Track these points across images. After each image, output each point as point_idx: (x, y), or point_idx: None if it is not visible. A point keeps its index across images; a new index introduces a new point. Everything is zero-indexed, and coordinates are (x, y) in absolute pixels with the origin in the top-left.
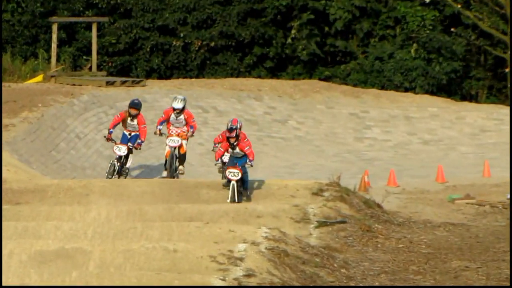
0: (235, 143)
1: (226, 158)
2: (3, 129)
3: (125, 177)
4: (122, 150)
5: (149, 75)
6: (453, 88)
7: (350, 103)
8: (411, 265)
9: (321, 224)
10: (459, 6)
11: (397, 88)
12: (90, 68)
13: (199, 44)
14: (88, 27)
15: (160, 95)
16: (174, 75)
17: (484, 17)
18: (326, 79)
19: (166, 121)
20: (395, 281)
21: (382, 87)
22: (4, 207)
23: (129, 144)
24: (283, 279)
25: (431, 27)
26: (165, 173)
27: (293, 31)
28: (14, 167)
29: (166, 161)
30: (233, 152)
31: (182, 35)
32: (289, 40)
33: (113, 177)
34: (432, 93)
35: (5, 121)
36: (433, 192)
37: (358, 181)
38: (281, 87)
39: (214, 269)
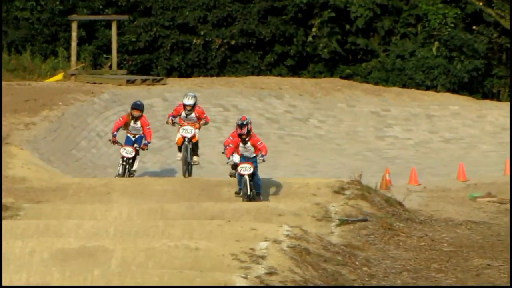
0: (246, 139)
1: (236, 159)
2: (24, 128)
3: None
4: (129, 151)
5: (169, 73)
6: (474, 86)
7: (371, 102)
8: (433, 263)
9: (343, 222)
10: (481, 4)
11: (418, 86)
12: (111, 67)
13: (220, 42)
14: (108, 25)
15: (181, 94)
16: (195, 73)
17: (506, 15)
18: (347, 77)
19: (176, 117)
20: (417, 279)
21: (404, 85)
22: (25, 205)
23: (135, 145)
24: (305, 277)
25: (452, 25)
26: (179, 155)
27: (314, 29)
28: (35, 166)
29: (178, 147)
30: (244, 148)
31: (202, 33)
32: (310, 38)
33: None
34: (453, 91)
35: (25, 119)
36: (454, 190)
37: (379, 180)
38: (302, 85)
39: (236, 267)
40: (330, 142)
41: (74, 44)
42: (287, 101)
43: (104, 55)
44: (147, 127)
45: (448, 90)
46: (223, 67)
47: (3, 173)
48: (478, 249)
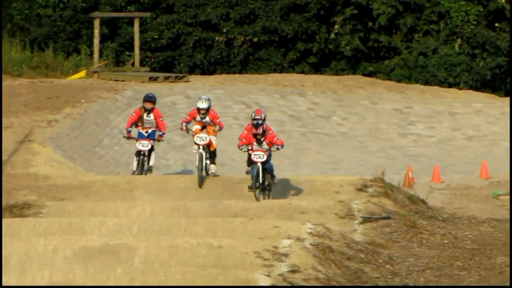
0: (261, 139)
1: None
2: (46, 125)
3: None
4: (145, 144)
5: (192, 70)
6: (497, 83)
7: (394, 99)
8: (456, 261)
9: (366, 220)
10: (503, 1)
11: (441, 83)
12: (133, 64)
13: (242, 39)
14: (130, 22)
15: (203, 91)
16: (217, 70)
17: None
18: (370, 74)
19: (190, 123)
20: (440, 277)
21: (426, 83)
22: (48, 203)
23: (150, 141)
24: (327, 275)
25: (475, 22)
26: (195, 147)
27: (336, 26)
28: (58, 163)
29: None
30: (260, 146)
31: (225, 30)
32: (333, 35)
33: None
34: (476, 88)
35: (48, 116)
36: (477, 188)
37: (402, 177)
38: (324, 82)
39: (259, 265)
40: (353, 140)
41: (96, 41)
42: (309, 98)
43: (127, 53)
44: (160, 119)
45: (471, 88)
46: (246, 64)
47: (26, 170)
48: (501, 247)
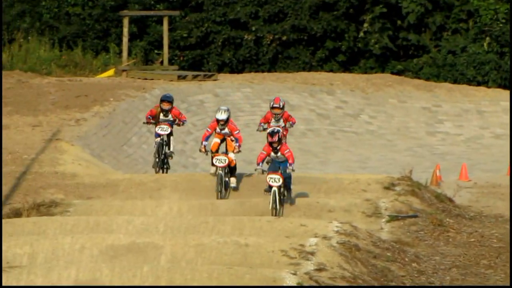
0: (278, 147)
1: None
2: (74, 124)
3: (168, 163)
4: (165, 129)
5: (221, 69)
6: None
7: (423, 97)
8: (482, 259)
9: (393, 218)
10: None
11: (469, 82)
12: (162, 62)
13: (271, 38)
14: (160, 21)
15: (232, 89)
16: (246, 69)
17: None
18: (399, 73)
19: (210, 136)
20: (466, 275)
21: (455, 81)
22: (75, 201)
23: (169, 122)
24: (354, 274)
25: (504, 21)
26: (213, 170)
27: (365, 25)
28: (86, 162)
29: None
30: (276, 156)
31: (254, 29)
32: (362, 34)
33: (159, 166)
34: (504, 87)
35: (76, 115)
36: (504, 186)
37: (429, 175)
38: (353, 81)
39: (285, 263)
40: (381, 138)
41: (125, 39)
42: (338, 96)
43: (156, 51)
44: (180, 115)
45: (499, 86)
46: (275, 62)
47: (54, 169)
48: None
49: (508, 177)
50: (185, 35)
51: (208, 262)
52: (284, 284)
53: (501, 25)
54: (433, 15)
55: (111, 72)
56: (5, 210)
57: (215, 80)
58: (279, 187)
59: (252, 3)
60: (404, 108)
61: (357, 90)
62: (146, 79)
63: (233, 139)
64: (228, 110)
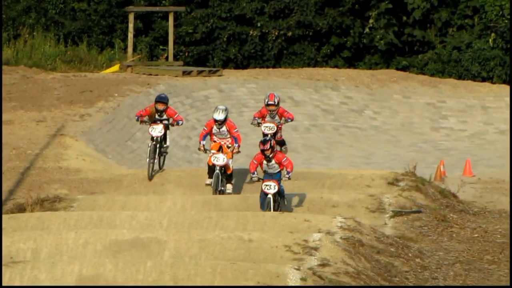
0: (270, 155)
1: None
2: (79, 119)
3: (165, 157)
4: (157, 130)
5: (225, 64)
6: None
7: (427, 93)
8: (486, 254)
9: (396, 214)
10: None
11: (474, 78)
12: (167, 58)
13: (276, 33)
14: (165, 16)
15: (237, 85)
16: (251, 64)
17: None
18: (404, 68)
19: (209, 133)
20: (470, 271)
21: (460, 77)
22: (79, 196)
23: (164, 122)
24: (357, 269)
25: (509, 17)
26: (208, 181)
27: (370, 21)
28: (90, 157)
29: (209, 167)
30: (267, 166)
31: (259, 24)
32: (367, 30)
33: (155, 160)
34: (509, 83)
35: (81, 110)
36: (508, 182)
37: (433, 171)
38: (358, 76)
39: (289, 258)
40: (385, 134)
41: (130, 35)
42: (342, 92)
43: (161, 47)
44: (176, 116)
45: (504, 82)
46: (280, 58)
47: (58, 164)
48: None
49: None
50: (190, 30)
51: (212, 257)
52: (288, 279)
53: (506, 21)
54: (438, 11)
55: (116, 67)
56: (9, 205)
57: (220, 75)
58: (274, 195)
59: None
60: (409, 104)
61: (361, 85)
62: (151, 74)
63: (229, 145)
64: (226, 109)
